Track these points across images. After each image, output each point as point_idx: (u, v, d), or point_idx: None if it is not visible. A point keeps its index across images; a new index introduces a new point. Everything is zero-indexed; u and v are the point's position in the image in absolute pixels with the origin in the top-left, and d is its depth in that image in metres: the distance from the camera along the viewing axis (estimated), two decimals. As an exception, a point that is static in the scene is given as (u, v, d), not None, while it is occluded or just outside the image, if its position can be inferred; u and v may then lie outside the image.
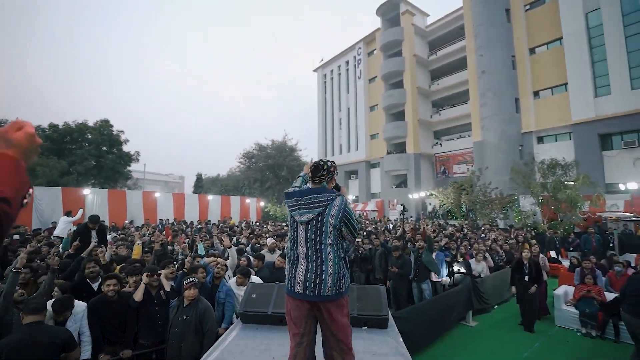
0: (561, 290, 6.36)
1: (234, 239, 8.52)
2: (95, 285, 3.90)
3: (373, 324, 3.12)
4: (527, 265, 5.88)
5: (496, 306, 7.15)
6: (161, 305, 3.60)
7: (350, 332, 2.07)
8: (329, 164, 2.19)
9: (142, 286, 3.53)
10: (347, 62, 36.58)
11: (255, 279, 4.66)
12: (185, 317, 3.33)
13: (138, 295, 3.47)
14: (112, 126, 21.25)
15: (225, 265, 4.72)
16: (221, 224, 15.33)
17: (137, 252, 5.28)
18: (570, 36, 18.38)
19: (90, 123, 20.83)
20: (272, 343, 2.95)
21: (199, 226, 14.70)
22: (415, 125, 28.79)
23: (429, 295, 6.03)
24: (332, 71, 38.87)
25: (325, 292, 1.95)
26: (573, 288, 6.27)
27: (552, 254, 10.82)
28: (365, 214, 26.65)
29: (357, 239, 8.64)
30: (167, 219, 16.87)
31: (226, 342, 3.01)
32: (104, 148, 20.59)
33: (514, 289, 6.03)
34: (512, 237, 10.66)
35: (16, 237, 7.13)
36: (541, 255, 6.69)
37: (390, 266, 6.19)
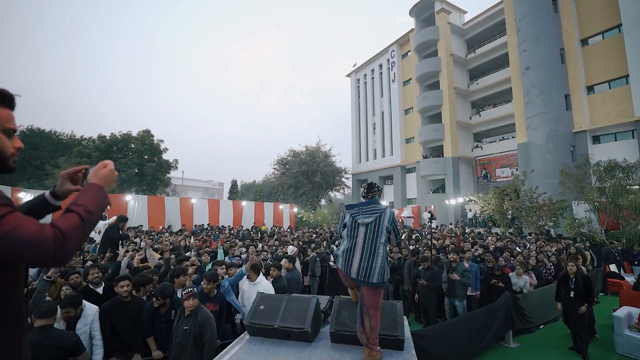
0: (623, 311, 5.49)
1: (260, 245, 8.51)
2: (99, 290, 4.01)
3: (387, 344, 2.82)
4: (574, 280, 5.18)
5: (542, 326, 6.38)
6: (168, 323, 3.55)
7: (379, 306, 2.66)
8: (377, 185, 2.90)
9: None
10: (381, 66, 36.01)
11: (266, 283, 4.55)
12: (185, 328, 3.28)
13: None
14: (152, 136, 22.75)
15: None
16: (238, 230, 15.55)
17: (137, 261, 5.33)
18: (631, 22, 16.45)
19: (134, 133, 22.47)
20: (277, 359, 2.78)
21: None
22: (453, 127, 27.48)
23: (462, 312, 5.51)
24: (365, 75, 38.48)
25: (372, 279, 2.51)
26: (638, 310, 5.42)
27: (614, 267, 9.57)
28: (401, 221, 25.75)
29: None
30: (202, 224, 17.49)
31: (229, 354, 2.89)
32: (146, 157, 22.04)
33: (559, 305, 5.35)
34: (562, 247, 9.56)
35: None
36: (584, 268, 5.86)
37: (418, 278, 5.76)
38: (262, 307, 3.28)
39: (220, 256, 5.95)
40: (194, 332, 3.26)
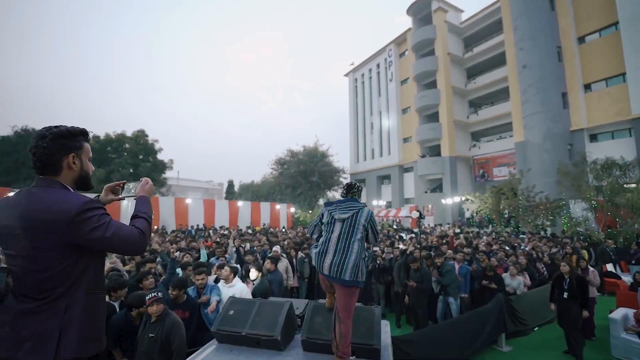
0: (619, 313, 5.31)
1: (247, 245, 8.31)
2: None
3: (362, 354, 2.64)
4: (568, 280, 5.01)
5: (536, 328, 6.20)
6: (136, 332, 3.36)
7: (351, 310, 2.50)
8: (358, 185, 2.91)
9: None
10: (378, 65, 35.86)
11: (242, 287, 4.36)
12: (150, 335, 3.08)
13: None
14: (147, 136, 22.56)
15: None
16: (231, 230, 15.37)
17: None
18: (628, 20, 16.31)
19: (129, 133, 22.26)
20: (245, 369, 2.60)
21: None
22: (451, 126, 27.34)
23: (455, 311, 5.32)
24: (363, 75, 38.35)
25: (344, 276, 2.40)
26: (635, 311, 5.24)
27: (610, 267, 9.39)
28: (398, 220, 25.55)
29: (376, 247, 8.10)
30: (197, 225, 17.31)
31: (195, 363, 2.71)
32: (140, 157, 21.83)
33: (553, 306, 5.19)
34: (557, 247, 9.38)
35: None
36: (591, 269, 5.68)
37: (408, 279, 5.57)
38: (231, 312, 3.09)
39: (203, 257, 5.75)
40: (161, 340, 3.06)
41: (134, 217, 1.50)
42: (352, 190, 2.86)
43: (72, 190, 1.41)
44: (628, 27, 16.32)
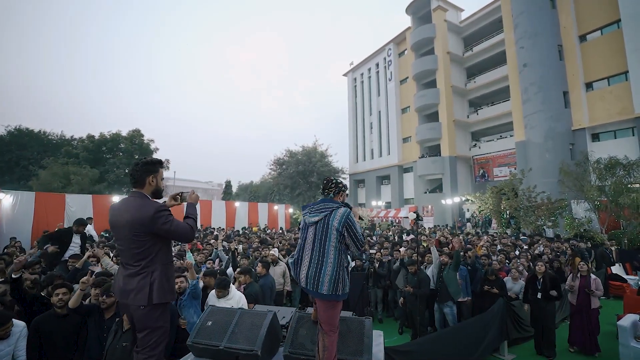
0: (628, 320, 5.02)
1: (240, 247, 8.03)
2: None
3: (350, 370, 2.37)
4: (541, 280, 5.04)
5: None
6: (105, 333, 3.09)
7: (334, 323, 2.27)
8: (337, 180, 2.51)
9: (78, 292, 3.09)
10: (377, 65, 35.59)
11: (238, 297, 4.08)
12: (124, 344, 2.80)
13: (72, 301, 3.04)
14: (142, 135, 22.23)
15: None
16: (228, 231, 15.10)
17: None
18: (630, 17, 16.05)
19: (124, 133, 21.95)
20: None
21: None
22: (451, 126, 27.07)
23: (452, 321, 5.05)
24: (362, 74, 38.08)
25: (322, 289, 2.16)
26: (640, 317, 4.97)
27: (616, 269, 9.11)
28: (398, 221, 25.26)
29: (372, 250, 7.82)
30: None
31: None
32: (136, 156, 21.49)
33: (527, 306, 5.21)
34: (554, 249, 9.07)
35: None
36: (593, 277, 5.39)
37: (404, 284, 5.29)
38: (209, 322, 2.81)
39: (190, 258, 5.47)
40: None
41: (186, 217, 2.26)
42: (328, 187, 2.47)
43: (150, 198, 2.17)
44: (630, 24, 16.06)
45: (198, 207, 2.51)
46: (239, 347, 2.55)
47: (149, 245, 2.04)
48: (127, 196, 2.21)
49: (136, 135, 21.99)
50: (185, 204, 2.41)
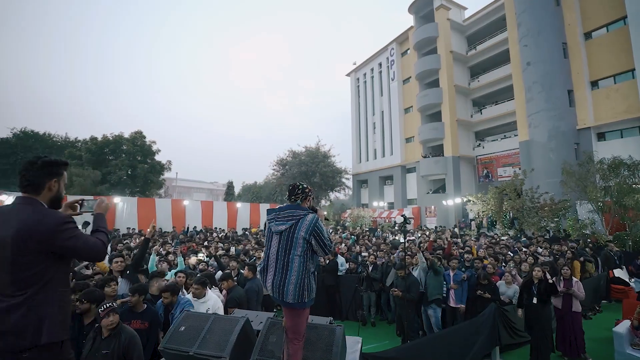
0: (624, 326, 4.88)
1: (232, 249, 8.01)
2: None
3: (318, 379, 2.32)
4: (537, 284, 4.87)
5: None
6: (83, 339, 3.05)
7: (301, 330, 2.29)
8: (303, 186, 2.47)
9: None
10: (380, 64, 35.43)
11: (213, 294, 4.05)
12: (104, 352, 2.77)
13: None
14: (144, 137, 22.40)
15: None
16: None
17: (103, 267, 4.93)
18: (636, 14, 15.69)
19: (127, 134, 22.14)
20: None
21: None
22: (454, 125, 26.81)
23: (435, 323, 4.94)
24: (365, 74, 37.95)
25: (287, 298, 2.16)
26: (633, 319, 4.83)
27: (618, 272, 8.88)
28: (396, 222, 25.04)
29: (364, 253, 7.72)
30: (195, 227, 17.12)
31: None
32: (138, 158, 21.69)
33: (520, 311, 5.02)
34: (564, 251, 8.88)
35: None
36: (575, 279, 5.27)
37: (393, 288, 5.21)
38: (182, 328, 2.79)
39: (181, 264, 5.44)
40: (118, 356, 2.76)
41: (94, 231, 1.81)
42: (295, 193, 2.43)
43: (46, 207, 1.67)
44: (637, 21, 15.71)
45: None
46: (208, 353, 2.52)
47: (40, 267, 1.53)
48: (6, 204, 1.78)
49: (138, 136, 22.16)
50: (84, 215, 1.97)
